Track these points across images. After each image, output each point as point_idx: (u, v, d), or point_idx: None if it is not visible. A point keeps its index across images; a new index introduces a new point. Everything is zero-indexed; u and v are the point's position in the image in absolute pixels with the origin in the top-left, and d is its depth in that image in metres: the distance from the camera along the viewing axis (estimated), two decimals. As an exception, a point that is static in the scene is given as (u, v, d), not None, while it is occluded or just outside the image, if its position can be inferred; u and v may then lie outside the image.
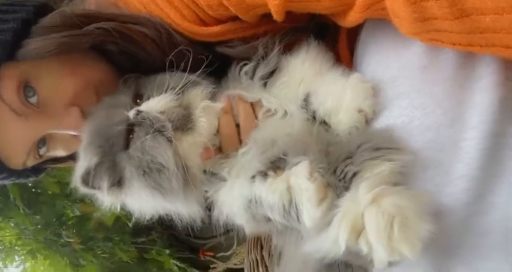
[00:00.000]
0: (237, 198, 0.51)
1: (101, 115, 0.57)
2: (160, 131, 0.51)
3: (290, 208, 0.46)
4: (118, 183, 0.53)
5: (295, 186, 0.45)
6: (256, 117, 0.57)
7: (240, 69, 0.58)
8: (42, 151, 0.62)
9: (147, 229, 1.80)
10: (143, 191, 0.52)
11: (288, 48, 0.59)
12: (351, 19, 0.50)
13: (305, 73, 0.55)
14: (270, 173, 0.49)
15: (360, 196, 0.41)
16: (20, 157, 0.61)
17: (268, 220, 0.50)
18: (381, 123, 0.50)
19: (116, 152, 0.53)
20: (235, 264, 1.74)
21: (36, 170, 0.69)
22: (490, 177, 0.43)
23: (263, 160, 0.50)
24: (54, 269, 1.51)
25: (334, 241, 0.41)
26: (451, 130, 0.45)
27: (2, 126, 0.57)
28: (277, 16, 0.52)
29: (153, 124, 0.51)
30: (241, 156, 0.54)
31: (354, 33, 0.62)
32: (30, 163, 0.63)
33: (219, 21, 0.59)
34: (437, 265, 0.45)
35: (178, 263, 1.82)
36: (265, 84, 0.57)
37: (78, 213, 1.52)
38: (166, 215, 0.58)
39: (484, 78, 0.45)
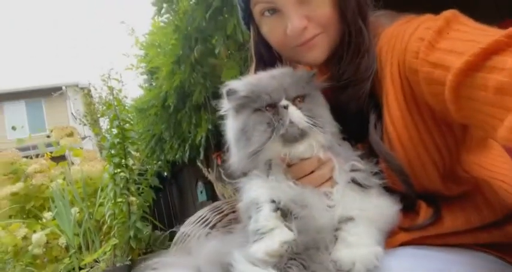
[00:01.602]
0: (255, 193, 0.67)
1: (276, 77, 0.70)
2: (277, 128, 0.65)
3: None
4: (235, 110, 0.71)
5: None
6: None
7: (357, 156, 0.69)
8: (267, 13, 0.75)
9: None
10: (238, 130, 0.69)
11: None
12: (500, 136, 0.48)
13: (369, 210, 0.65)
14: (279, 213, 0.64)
15: None
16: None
17: (249, 218, 0.67)
18: None
19: (251, 103, 0.69)
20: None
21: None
22: None
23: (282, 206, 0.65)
24: None
25: None
26: None
27: None
28: (450, 92, 0.54)
29: (280, 120, 0.66)
30: (289, 185, 0.67)
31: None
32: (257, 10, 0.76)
33: None
34: None
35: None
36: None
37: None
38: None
39: None
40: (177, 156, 3.95)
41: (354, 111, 0.71)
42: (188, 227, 1.01)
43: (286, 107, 0.66)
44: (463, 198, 0.70)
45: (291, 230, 0.63)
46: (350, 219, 0.63)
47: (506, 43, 0.48)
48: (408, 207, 0.69)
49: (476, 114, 0.52)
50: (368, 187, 0.66)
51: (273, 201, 0.66)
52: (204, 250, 0.68)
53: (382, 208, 0.65)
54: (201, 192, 4.53)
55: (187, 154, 3.64)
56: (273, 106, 0.67)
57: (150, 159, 4.51)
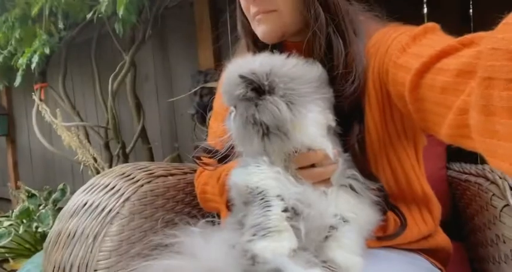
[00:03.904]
0: (263, 183, 0.62)
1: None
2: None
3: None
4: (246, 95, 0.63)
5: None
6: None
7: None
8: None
9: None
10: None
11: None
12: (442, 133, 0.51)
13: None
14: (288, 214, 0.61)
15: None
16: None
17: (245, 204, 0.63)
18: None
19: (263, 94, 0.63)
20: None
21: None
22: None
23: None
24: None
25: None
26: None
27: None
28: (409, 93, 0.57)
29: None
30: (290, 180, 0.64)
31: None
32: None
33: None
34: None
35: None
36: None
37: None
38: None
39: None
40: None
41: (345, 108, 0.69)
42: (93, 196, 0.76)
43: None
44: (415, 213, 0.79)
45: (299, 230, 0.60)
46: (346, 221, 0.64)
47: (456, 48, 0.52)
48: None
49: (427, 114, 0.55)
50: (361, 196, 0.67)
51: (282, 199, 0.61)
52: (215, 250, 0.54)
53: (371, 217, 0.68)
54: (-8, 123, 3.53)
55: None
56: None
57: None
